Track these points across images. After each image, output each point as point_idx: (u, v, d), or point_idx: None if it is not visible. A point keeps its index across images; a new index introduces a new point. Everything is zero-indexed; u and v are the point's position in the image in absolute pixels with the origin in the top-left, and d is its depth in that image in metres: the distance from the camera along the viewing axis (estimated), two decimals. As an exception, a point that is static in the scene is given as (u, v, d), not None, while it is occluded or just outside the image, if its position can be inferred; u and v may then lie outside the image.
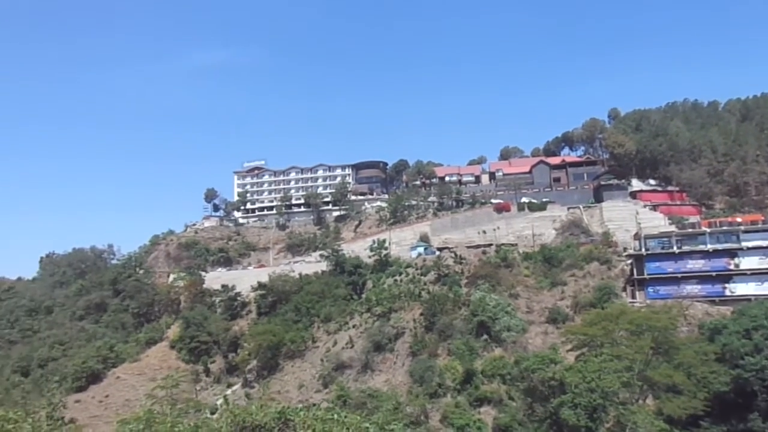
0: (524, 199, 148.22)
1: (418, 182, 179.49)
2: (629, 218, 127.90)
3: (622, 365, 62.89)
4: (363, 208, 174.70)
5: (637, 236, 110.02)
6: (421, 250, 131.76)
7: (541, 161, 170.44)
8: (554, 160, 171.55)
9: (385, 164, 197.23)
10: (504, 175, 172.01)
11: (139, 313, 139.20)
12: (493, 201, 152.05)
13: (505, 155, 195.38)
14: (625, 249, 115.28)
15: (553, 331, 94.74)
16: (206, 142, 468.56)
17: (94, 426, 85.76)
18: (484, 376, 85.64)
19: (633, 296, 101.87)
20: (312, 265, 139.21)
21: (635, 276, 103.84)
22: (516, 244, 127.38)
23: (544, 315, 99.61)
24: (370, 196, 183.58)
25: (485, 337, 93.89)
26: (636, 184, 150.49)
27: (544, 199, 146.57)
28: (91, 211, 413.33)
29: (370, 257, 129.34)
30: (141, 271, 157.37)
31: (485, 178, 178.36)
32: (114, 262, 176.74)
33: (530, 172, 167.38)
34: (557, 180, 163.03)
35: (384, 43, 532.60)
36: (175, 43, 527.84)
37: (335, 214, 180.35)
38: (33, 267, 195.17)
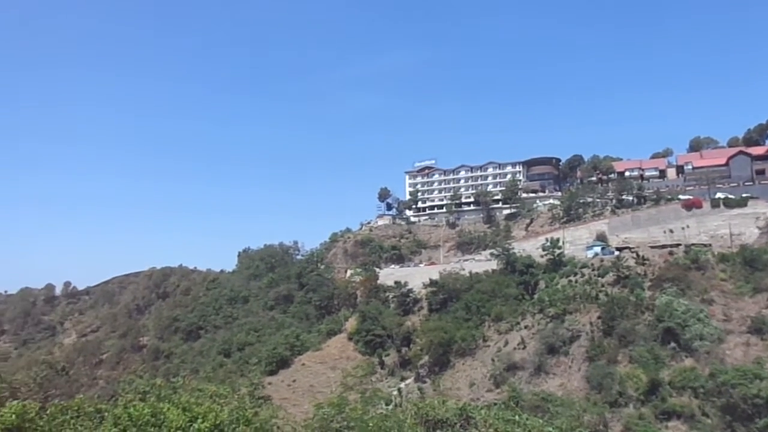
0: (719, 195, 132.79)
1: (594, 178, 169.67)
2: None
3: None
4: (534, 205, 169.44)
5: None
6: (597, 249, 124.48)
7: (741, 152, 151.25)
8: (757, 150, 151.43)
9: (558, 160, 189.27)
10: (694, 168, 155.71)
11: (321, 306, 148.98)
12: (681, 197, 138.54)
13: (696, 146, 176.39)
14: None
15: (756, 343, 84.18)
16: (379, 144, 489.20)
17: (283, 408, 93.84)
18: (672, 388, 78.80)
19: None
20: (482, 263, 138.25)
21: None
22: (709, 245, 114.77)
23: (745, 324, 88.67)
24: (541, 194, 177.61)
25: (673, 345, 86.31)
26: None
27: (743, 194, 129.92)
28: (280, 212, 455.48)
29: (542, 256, 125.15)
30: (322, 267, 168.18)
31: (671, 172, 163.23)
32: (299, 257, 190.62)
33: (726, 164, 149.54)
34: (761, 172, 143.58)
35: (548, 35, 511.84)
36: (349, 50, 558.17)
37: (505, 212, 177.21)
38: (232, 261, 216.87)
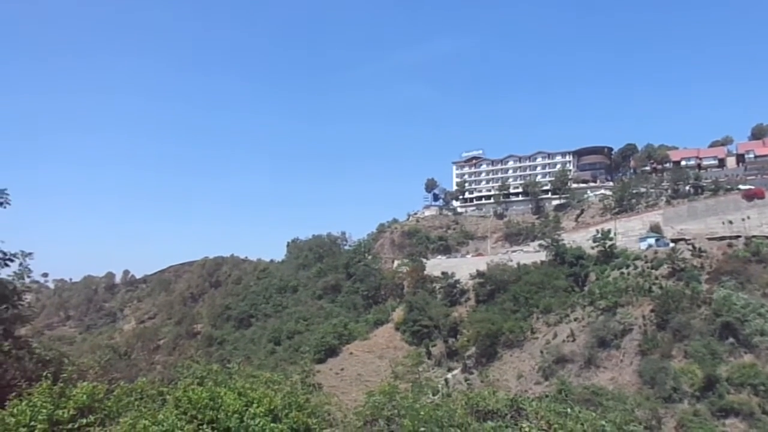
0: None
1: (648, 168, 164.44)
2: None
3: None
4: (585, 196, 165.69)
5: None
6: (651, 241, 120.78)
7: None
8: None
9: (610, 149, 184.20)
10: (756, 157, 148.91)
11: (368, 296, 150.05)
12: (741, 187, 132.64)
13: (758, 134, 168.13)
14: None
15: (822, 339, 79.84)
16: (427, 135, 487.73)
17: (332, 396, 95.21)
18: (729, 385, 76.14)
19: None
20: (530, 254, 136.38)
21: None
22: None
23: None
24: (592, 184, 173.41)
25: (731, 340, 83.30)
26: None
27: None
28: (328, 202, 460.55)
29: (593, 248, 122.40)
30: (369, 257, 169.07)
31: (731, 161, 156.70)
32: (346, 247, 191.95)
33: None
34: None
35: (602, 21, 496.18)
36: (396, 38, 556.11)
37: (555, 202, 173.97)
38: (282, 251, 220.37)
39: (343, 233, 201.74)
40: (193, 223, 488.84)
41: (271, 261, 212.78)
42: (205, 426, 13.02)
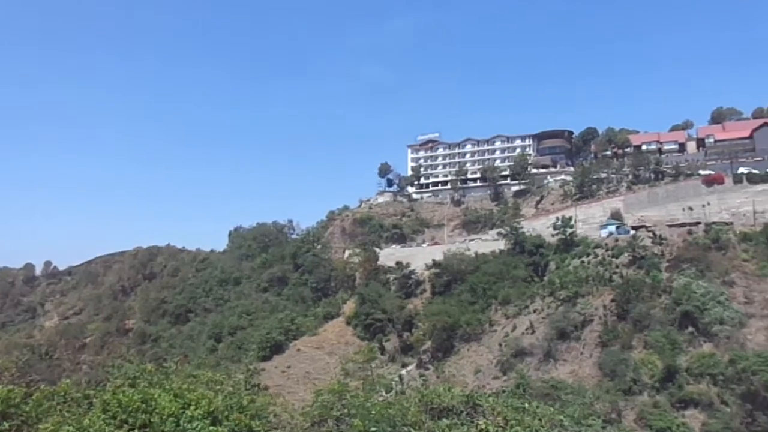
0: (742, 170, 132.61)
1: (608, 152, 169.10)
2: None
3: None
4: (545, 182, 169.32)
5: None
6: (612, 228, 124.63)
7: (766, 123, 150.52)
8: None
9: (571, 133, 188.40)
10: (716, 141, 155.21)
11: (317, 288, 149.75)
12: (701, 172, 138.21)
13: (718, 118, 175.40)
14: None
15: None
16: (379, 118, 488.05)
17: (278, 396, 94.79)
18: (689, 375, 79.68)
19: None
20: (489, 243, 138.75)
21: None
22: (731, 223, 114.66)
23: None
24: (553, 169, 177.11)
25: (691, 329, 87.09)
26: None
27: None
28: (273, 190, 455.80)
29: (553, 236, 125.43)
30: (318, 246, 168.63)
31: (691, 146, 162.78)
32: (294, 236, 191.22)
33: (751, 137, 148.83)
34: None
35: (561, 4, 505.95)
36: (345, 18, 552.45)
37: (514, 188, 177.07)
38: (223, 240, 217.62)
39: (290, 221, 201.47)
40: (126, 212, 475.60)
41: (212, 251, 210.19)
42: (137, 431, 12.70)
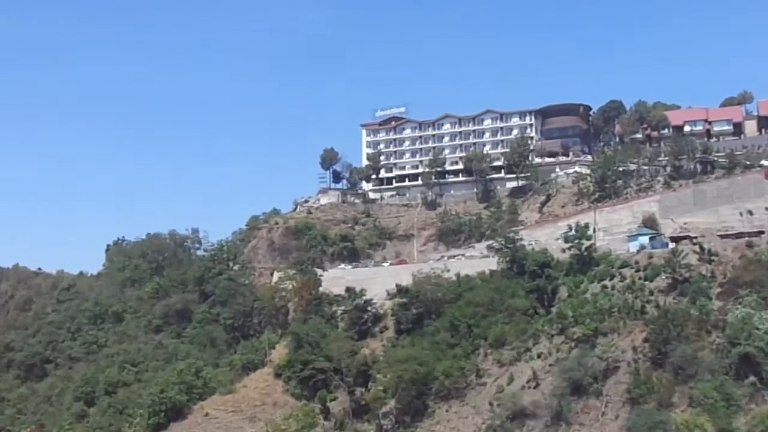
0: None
1: (639, 135, 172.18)
2: None
3: None
4: (552, 175, 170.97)
5: None
6: (644, 240, 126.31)
7: None
8: None
9: (587, 108, 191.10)
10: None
11: (234, 326, 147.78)
12: (764, 162, 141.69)
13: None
14: None
15: None
16: (321, 85, 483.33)
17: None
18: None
19: None
20: (476, 261, 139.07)
21: None
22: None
23: None
24: (563, 158, 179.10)
25: (752, 379, 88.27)
26: None
27: None
28: (170, 185, 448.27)
29: (564, 251, 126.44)
30: (235, 267, 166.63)
31: (751, 126, 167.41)
32: (200, 253, 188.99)
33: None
34: None
35: None
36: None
37: (510, 185, 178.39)
38: (99, 258, 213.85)
39: (195, 231, 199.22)
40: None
41: (81, 274, 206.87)
42: None
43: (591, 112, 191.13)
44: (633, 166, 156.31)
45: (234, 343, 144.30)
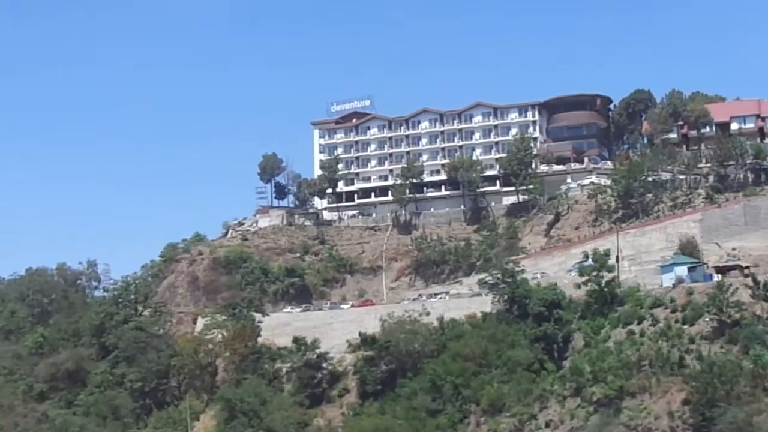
0: None
1: (673, 135, 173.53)
2: None
3: None
4: (563, 188, 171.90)
5: None
6: (682, 271, 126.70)
7: None
8: None
9: (607, 101, 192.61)
10: None
11: (144, 390, 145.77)
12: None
13: None
14: None
15: None
16: (258, 69, 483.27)
17: None
18: None
19: None
20: (464, 301, 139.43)
21: None
22: None
23: None
24: (576, 165, 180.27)
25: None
26: None
27: None
28: (59, 207, 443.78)
29: (578, 286, 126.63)
30: (146, 312, 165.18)
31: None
32: (99, 293, 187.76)
33: None
34: None
35: None
36: None
37: (508, 200, 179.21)
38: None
39: (92, 265, 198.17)
40: None
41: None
42: None
43: (611, 106, 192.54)
44: (666, 176, 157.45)
45: (144, 414, 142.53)
